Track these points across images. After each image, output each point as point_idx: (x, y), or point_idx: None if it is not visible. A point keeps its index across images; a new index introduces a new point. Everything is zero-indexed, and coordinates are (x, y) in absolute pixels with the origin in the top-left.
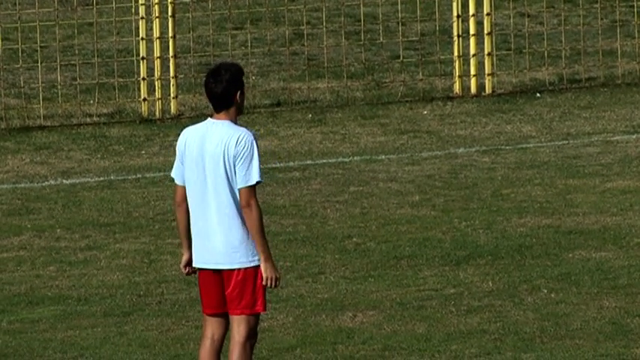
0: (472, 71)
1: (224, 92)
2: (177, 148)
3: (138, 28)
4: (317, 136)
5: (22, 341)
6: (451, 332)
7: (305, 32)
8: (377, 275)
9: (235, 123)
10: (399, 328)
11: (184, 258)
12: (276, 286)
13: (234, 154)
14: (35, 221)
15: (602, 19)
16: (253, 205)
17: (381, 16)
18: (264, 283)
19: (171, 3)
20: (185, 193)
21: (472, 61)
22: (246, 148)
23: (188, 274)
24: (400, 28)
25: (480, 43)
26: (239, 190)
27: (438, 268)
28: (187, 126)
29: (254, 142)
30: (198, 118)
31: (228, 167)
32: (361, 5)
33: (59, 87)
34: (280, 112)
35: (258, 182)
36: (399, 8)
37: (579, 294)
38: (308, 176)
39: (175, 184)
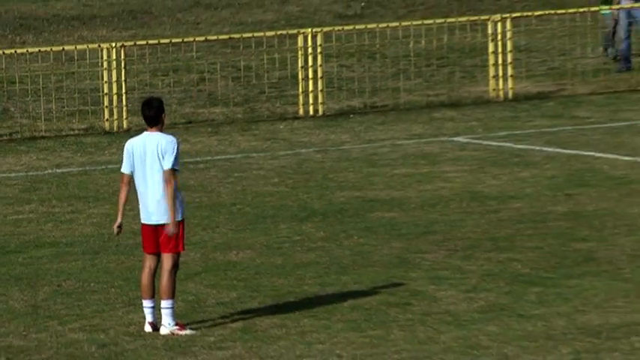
0: (311, 101)
1: (154, 115)
2: (125, 151)
3: (103, 75)
4: (214, 142)
5: (31, 270)
6: (297, 263)
7: (206, 77)
8: (252, 228)
9: (162, 132)
10: (265, 261)
11: (118, 221)
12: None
13: (164, 150)
14: (39, 195)
15: (391, 67)
16: (171, 182)
17: (253, 67)
18: (169, 232)
19: (123, 59)
20: (129, 179)
21: (310, 95)
22: (169, 146)
23: (117, 234)
24: (266, 75)
25: (315, 84)
26: (164, 170)
27: (289, 224)
28: (133, 136)
29: (175, 143)
30: (139, 131)
31: (160, 158)
32: (241, 61)
33: (54, 112)
34: (192, 127)
35: (175, 169)
36: (265, 61)
37: (377, 239)
38: (208, 167)
39: (122, 173)
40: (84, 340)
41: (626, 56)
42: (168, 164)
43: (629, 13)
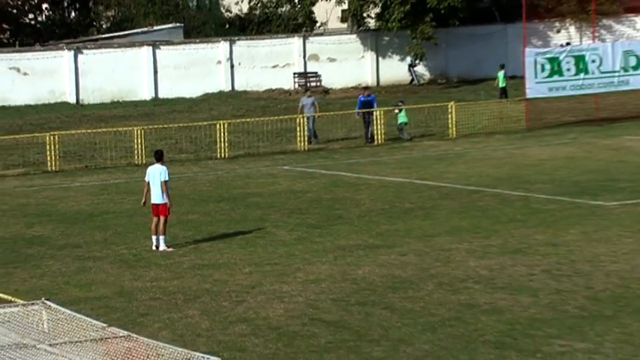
0: (223, 151)
1: (159, 156)
2: (146, 171)
3: (135, 140)
4: (182, 168)
5: (103, 223)
6: (218, 219)
7: (178, 141)
8: (198, 205)
9: (163, 165)
10: (204, 219)
11: (143, 200)
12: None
13: (161, 173)
14: (107, 191)
15: (256, 137)
16: (165, 187)
17: (198, 137)
18: (167, 206)
19: (143, 135)
20: (147, 183)
21: (223, 148)
22: (163, 170)
23: (143, 204)
24: (204, 140)
25: (224, 144)
26: (161, 181)
27: (214, 203)
28: (149, 165)
29: (166, 169)
30: (152, 163)
31: (159, 176)
32: (192, 134)
33: (114, 156)
34: (173, 162)
35: (166, 180)
36: (203, 135)
37: (251, 210)
38: (179, 179)
39: (144, 180)
40: (127, 253)
41: (314, 135)
42: (163, 178)
43: (308, 118)
